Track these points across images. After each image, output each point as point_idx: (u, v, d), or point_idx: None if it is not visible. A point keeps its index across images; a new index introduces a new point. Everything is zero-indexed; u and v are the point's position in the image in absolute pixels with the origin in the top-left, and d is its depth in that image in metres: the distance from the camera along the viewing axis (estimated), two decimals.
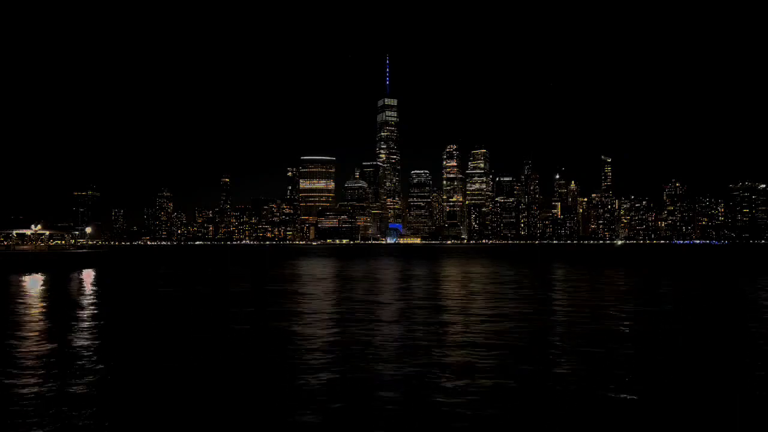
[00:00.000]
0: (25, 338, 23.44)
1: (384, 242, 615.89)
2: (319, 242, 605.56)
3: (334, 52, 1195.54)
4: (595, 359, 19.01)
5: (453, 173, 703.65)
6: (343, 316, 29.67)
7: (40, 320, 28.92)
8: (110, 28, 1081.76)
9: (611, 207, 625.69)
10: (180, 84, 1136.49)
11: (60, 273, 68.08)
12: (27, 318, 29.57)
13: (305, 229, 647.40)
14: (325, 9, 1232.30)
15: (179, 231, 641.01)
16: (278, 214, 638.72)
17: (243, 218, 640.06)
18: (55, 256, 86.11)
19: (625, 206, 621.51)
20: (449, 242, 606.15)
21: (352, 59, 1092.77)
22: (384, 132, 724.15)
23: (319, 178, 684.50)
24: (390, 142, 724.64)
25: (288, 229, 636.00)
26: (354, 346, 21.42)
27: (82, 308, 33.68)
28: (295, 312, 31.52)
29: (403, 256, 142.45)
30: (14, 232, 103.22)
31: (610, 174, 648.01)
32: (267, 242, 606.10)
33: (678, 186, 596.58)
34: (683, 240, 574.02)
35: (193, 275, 67.72)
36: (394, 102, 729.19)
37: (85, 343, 22.45)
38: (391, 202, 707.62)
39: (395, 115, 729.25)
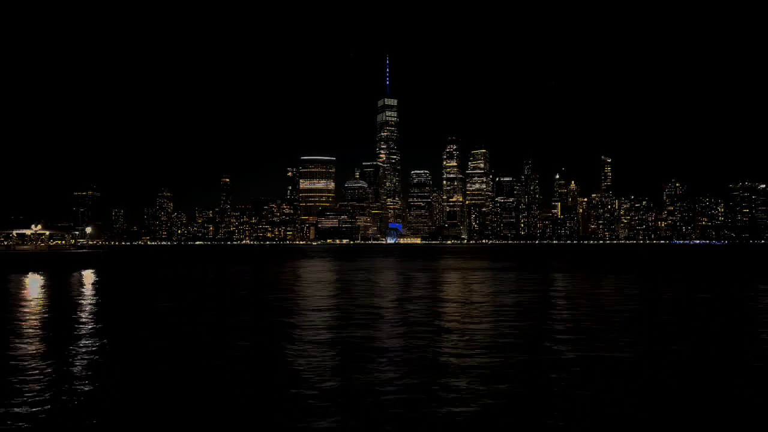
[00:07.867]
0: (25, 338, 23.40)
1: (384, 242, 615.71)
2: (319, 242, 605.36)
3: (334, 52, 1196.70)
4: (595, 360, 19.01)
5: (453, 173, 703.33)
6: (343, 315, 29.69)
7: (40, 320, 28.88)
8: (110, 27, 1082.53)
9: (611, 207, 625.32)
10: (180, 84, 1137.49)
11: (60, 273, 68.07)
12: (27, 318, 29.53)
13: (305, 229, 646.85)
14: (325, 9, 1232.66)
15: (179, 231, 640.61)
16: (278, 214, 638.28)
17: (243, 218, 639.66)
18: (55, 256, 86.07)
19: (625, 206, 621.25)
20: (449, 242, 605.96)
21: (354, 59, 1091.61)
22: (384, 132, 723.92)
23: (319, 178, 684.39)
24: (390, 142, 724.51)
25: (288, 229, 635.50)
26: (353, 346, 21.43)
27: (82, 308, 33.66)
28: (295, 312, 31.53)
29: (403, 256, 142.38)
30: (14, 232, 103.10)
31: (610, 174, 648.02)
32: (267, 242, 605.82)
33: (678, 186, 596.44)
34: (683, 240, 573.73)
35: (193, 275, 67.67)
36: (394, 102, 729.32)
37: (85, 343, 22.42)
38: (391, 202, 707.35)
39: (395, 115, 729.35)
